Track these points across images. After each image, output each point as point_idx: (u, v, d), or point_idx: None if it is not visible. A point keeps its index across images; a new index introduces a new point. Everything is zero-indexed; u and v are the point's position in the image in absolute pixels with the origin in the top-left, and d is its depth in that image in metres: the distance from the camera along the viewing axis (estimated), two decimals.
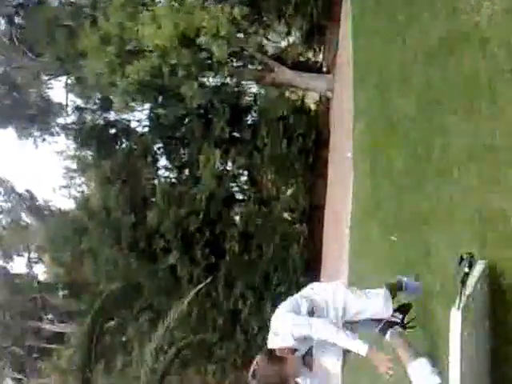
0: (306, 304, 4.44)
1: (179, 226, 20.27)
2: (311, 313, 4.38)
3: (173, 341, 12.73)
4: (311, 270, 20.42)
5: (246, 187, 23.42)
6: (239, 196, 23.72)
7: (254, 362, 4.24)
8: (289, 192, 21.22)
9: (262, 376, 4.10)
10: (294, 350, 4.23)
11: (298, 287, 17.73)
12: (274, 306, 16.99)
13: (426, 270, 5.58)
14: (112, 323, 18.58)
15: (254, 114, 23.60)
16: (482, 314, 3.69)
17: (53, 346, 22.59)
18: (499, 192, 4.02)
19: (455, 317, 3.08)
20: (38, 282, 25.44)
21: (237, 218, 22.34)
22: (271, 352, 4.25)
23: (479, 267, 3.68)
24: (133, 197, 21.91)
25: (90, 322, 10.62)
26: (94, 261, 21.29)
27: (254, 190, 22.28)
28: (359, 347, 4.03)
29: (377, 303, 4.54)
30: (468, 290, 3.28)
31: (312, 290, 4.78)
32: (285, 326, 4.25)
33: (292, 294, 17.16)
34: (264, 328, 20.11)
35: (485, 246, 4.06)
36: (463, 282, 3.22)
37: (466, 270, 3.31)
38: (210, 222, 20.65)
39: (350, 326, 4.50)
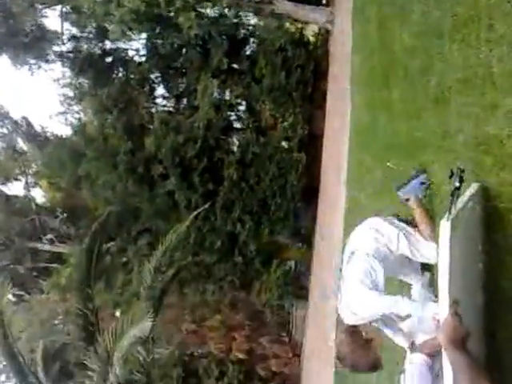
0: (382, 270, 4.06)
1: (177, 152, 20.39)
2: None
3: (172, 261, 13.16)
4: (309, 196, 20.78)
5: (244, 116, 23.48)
6: (237, 125, 23.81)
7: (337, 342, 4.03)
8: (287, 122, 21.28)
9: (349, 357, 3.89)
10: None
11: (296, 213, 18.19)
12: (272, 230, 17.46)
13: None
14: (111, 244, 19.01)
15: (253, 46, 23.42)
16: (475, 233, 3.83)
17: (52, 265, 23.06)
18: (495, 118, 4.17)
19: (445, 228, 3.18)
20: (36, 205, 25.66)
21: (235, 146, 22.47)
22: (356, 332, 3.97)
23: (472, 188, 3.88)
24: (130, 124, 21.92)
25: (89, 242, 10.79)
26: (91, 186, 21.44)
27: (252, 120, 22.32)
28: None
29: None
30: (459, 205, 3.41)
31: (377, 234, 4.34)
32: (367, 310, 3.96)
33: (289, 219, 17.40)
34: (261, 251, 20.79)
35: (480, 170, 4.22)
36: (453, 195, 3.31)
37: (457, 184, 3.39)
38: (208, 150, 20.79)
39: None
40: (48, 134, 26.36)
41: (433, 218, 4.62)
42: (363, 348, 3.86)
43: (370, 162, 9.38)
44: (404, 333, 4.00)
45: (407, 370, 3.70)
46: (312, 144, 21.07)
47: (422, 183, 4.87)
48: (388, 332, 4.17)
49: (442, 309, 3.06)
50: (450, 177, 3.49)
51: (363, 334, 3.91)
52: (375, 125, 9.24)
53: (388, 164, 7.19)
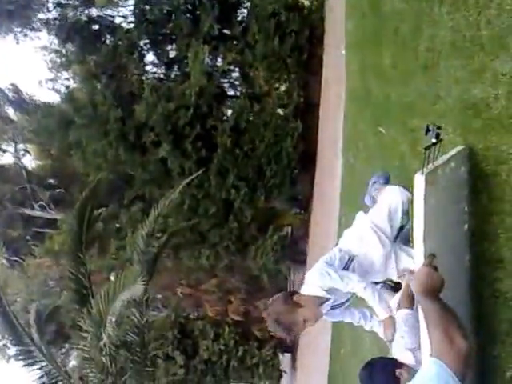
0: (340, 254, 4.16)
1: (168, 120, 20.35)
2: (349, 262, 4.14)
3: (165, 227, 13.25)
4: (306, 162, 20.83)
5: (237, 83, 23.34)
6: (231, 92, 23.68)
7: (273, 297, 4.21)
8: (282, 88, 21.19)
9: (272, 311, 4.05)
10: (322, 301, 4.09)
11: (292, 180, 18.28)
12: (268, 196, 17.60)
13: (411, 158, 5.88)
14: (103, 210, 19.05)
15: (244, 11, 23.17)
16: (460, 194, 3.89)
17: (45, 231, 23.17)
18: (483, 82, 4.21)
19: (419, 181, 3.24)
20: (27, 172, 25.63)
21: (228, 113, 22.37)
22: (293, 293, 4.15)
23: (457, 149, 3.95)
24: (120, 91, 21.83)
25: (80, 208, 10.82)
26: (81, 153, 21.41)
27: (245, 86, 22.20)
28: (380, 313, 3.98)
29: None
30: (439, 161, 3.47)
31: (344, 237, 4.44)
32: (312, 276, 4.07)
33: (284, 186, 17.58)
34: (257, 217, 20.91)
35: (468, 134, 4.26)
36: (427, 149, 3.33)
37: (434, 140, 3.41)
38: (201, 117, 20.71)
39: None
40: (37, 102, 26.21)
41: None
42: (289, 309, 4.01)
43: (364, 128, 9.46)
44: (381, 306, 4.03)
45: (397, 330, 3.83)
46: (308, 111, 21.02)
47: (374, 182, 4.91)
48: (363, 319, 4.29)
49: (416, 261, 3.15)
50: (426, 133, 3.52)
51: (295, 297, 4.04)
52: (368, 91, 9.28)
53: (379, 129, 7.26)
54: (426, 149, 3.36)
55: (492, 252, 3.74)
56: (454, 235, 3.81)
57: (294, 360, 27.14)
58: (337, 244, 4.45)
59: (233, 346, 21.59)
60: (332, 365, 13.24)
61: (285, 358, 26.21)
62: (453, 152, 3.84)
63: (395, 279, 4.37)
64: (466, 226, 3.94)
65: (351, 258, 4.12)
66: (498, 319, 3.59)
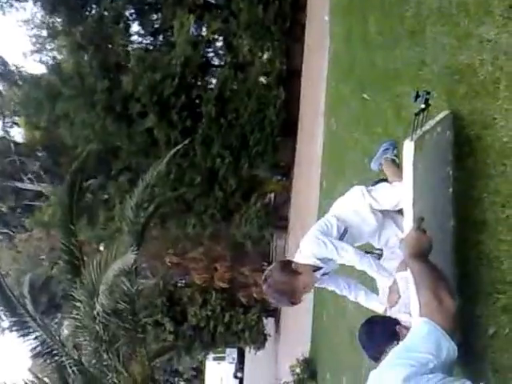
0: (336, 222, 4.06)
1: (154, 90, 20.19)
2: (344, 233, 4.06)
3: (153, 197, 13.22)
4: (288, 130, 20.85)
5: (221, 52, 23.16)
6: (215, 61, 23.50)
7: (269, 267, 4.20)
8: (265, 56, 21.05)
9: (272, 282, 4.01)
10: (315, 269, 4.06)
11: (275, 148, 18.34)
12: (251, 164, 17.63)
13: (395, 125, 5.88)
14: (92, 181, 19.00)
15: None
16: (445, 158, 3.90)
17: (35, 203, 23.07)
18: (468, 48, 4.20)
19: (408, 148, 3.23)
20: (16, 145, 25.43)
21: (213, 82, 22.25)
22: (289, 262, 4.11)
23: (443, 114, 3.95)
24: (106, 62, 21.58)
25: (70, 180, 10.78)
26: (69, 125, 21.26)
27: (230, 55, 22.04)
28: (383, 281, 3.96)
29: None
30: (426, 127, 3.47)
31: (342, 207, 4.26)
32: (307, 245, 4.01)
33: (268, 154, 17.58)
34: (241, 185, 20.99)
35: (454, 99, 4.24)
36: (417, 115, 3.33)
37: (422, 106, 3.40)
38: (186, 87, 20.59)
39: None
40: (24, 74, 25.86)
41: None
42: (288, 277, 3.98)
43: (347, 95, 9.42)
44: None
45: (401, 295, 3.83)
46: (291, 79, 20.95)
47: (386, 149, 4.80)
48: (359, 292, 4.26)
49: (406, 225, 3.17)
50: (416, 99, 3.50)
51: (293, 265, 4.01)
52: (353, 57, 9.23)
53: (363, 95, 7.24)
54: (416, 114, 3.35)
55: (476, 215, 3.78)
56: (439, 199, 3.81)
57: (277, 324, 27.57)
58: (325, 213, 4.35)
59: (219, 311, 21.88)
60: (314, 328, 13.43)
61: (269, 323, 26.60)
62: (439, 117, 3.83)
63: (377, 246, 4.36)
64: (451, 190, 3.93)
65: (346, 229, 4.04)
66: (482, 280, 3.64)
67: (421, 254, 2.25)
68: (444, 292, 1.98)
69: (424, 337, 1.80)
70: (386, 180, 4.39)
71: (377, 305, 4.15)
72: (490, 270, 3.57)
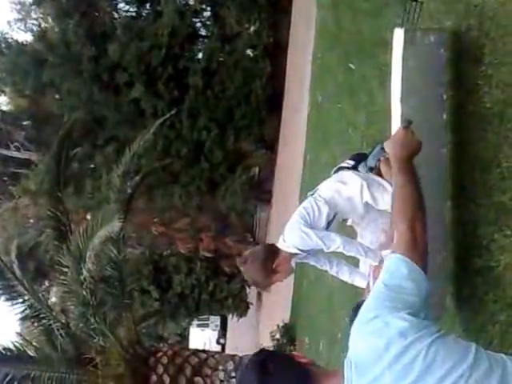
0: (327, 212, 3.88)
1: (141, 60, 20.00)
2: (332, 219, 3.93)
3: (139, 167, 13.15)
4: (273, 103, 20.77)
5: (209, 23, 22.90)
6: (202, 32, 23.24)
7: (252, 250, 4.19)
8: (252, 29, 20.86)
9: (250, 267, 3.98)
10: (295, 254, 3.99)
11: (260, 121, 18.23)
12: (237, 137, 17.49)
13: (381, 94, 5.88)
14: (79, 150, 18.83)
15: None
16: (440, 79, 3.84)
17: (22, 171, 22.89)
18: (456, 13, 4.16)
19: (398, 35, 3.19)
20: (2, 113, 25.12)
21: (200, 53, 22.04)
22: (269, 247, 4.08)
23: (438, 26, 3.89)
24: (92, 30, 21.26)
25: (56, 148, 10.68)
26: (56, 93, 21.06)
27: (217, 27, 21.81)
28: (371, 264, 3.85)
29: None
30: (418, 24, 3.46)
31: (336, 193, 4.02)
32: (291, 236, 3.90)
33: (253, 127, 17.37)
34: (227, 157, 20.96)
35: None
36: (413, 1, 3.33)
37: None
38: (173, 57, 20.38)
39: None
40: (9, 41, 25.42)
41: None
42: (266, 269, 3.94)
43: (333, 65, 9.38)
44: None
45: None
46: (277, 52, 20.81)
47: (383, 148, 4.61)
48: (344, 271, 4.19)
49: (393, 123, 3.09)
50: None
51: (272, 251, 3.96)
52: (339, 26, 9.15)
53: (349, 65, 7.22)
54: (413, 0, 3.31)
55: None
56: (433, 124, 3.75)
57: (259, 292, 27.79)
58: (308, 189, 4.23)
59: (204, 280, 22.02)
60: (295, 295, 13.54)
61: (251, 291, 26.82)
62: (435, 26, 3.78)
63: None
64: (445, 116, 3.89)
65: (335, 215, 3.92)
66: (459, 244, 3.69)
67: (409, 156, 2.05)
68: (420, 226, 1.83)
69: (404, 276, 1.69)
70: (366, 156, 4.28)
71: (360, 280, 4.10)
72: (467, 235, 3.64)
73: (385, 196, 3.86)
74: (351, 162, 4.18)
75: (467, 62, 3.84)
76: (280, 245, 3.96)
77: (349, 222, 4.26)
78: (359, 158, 4.18)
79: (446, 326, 3.64)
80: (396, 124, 3.07)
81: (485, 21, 3.69)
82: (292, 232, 3.87)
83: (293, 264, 4.06)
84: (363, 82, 6.81)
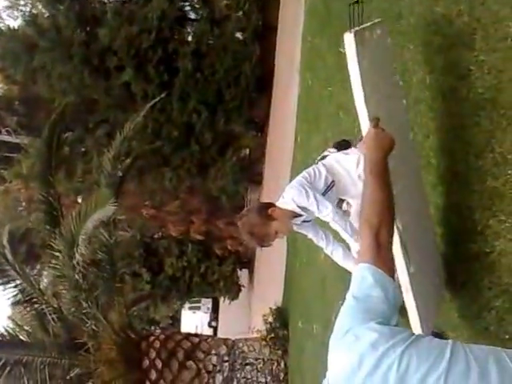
0: (325, 173, 3.94)
1: (131, 43, 19.81)
2: (331, 186, 3.96)
3: (130, 150, 13.07)
4: (263, 86, 20.67)
5: (198, 6, 22.68)
6: (191, 15, 23.02)
7: (248, 207, 4.23)
8: (241, 12, 20.68)
9: (247, 222, 3.97)
10: (293, 216, 3.98)
11: (250, 103, 18.09)
12: (227, 119, 17.40)
13: None
14: (70, 134, 18.70)
15: None
16: (390, 67, 3.84)
17: (13, 155, 22.71)
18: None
19: (349, 39, 3.14)
20: None
21: (189, 37, 21.86)
22: (268, 205, 4.03)
23: (376, 19, 3.78)
24: (83, 15, 21.01)
25: (48, 132, 10.61)
26: (46, 77, 20.82)
27: (206, 10, 21.61)
28: (353, 244, 3.92)
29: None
30: (364, 24, 3.39)
31: (336, 161, 4.08)
32: (290, 190, 3.91)
33: (243, 109, 17.30)
34: (217, 139, 20.87)
35: (430, 50, 4.21)
36: (353, 4, 3.31)
37: None
38: (163, 41, 20.22)
39: None
40: (1, 26, 25.07)
41: None
42: (263, 221, 3.91)
43: (323, 49, 9.25)
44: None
45: None
46: (267, 34, 20.68)
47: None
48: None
49: (363, 124, 3.09)
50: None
51: (269, 210, 3.92)
52: (329, 9, 9.02)
53: (340, 49, 7.09)
54: (350, 5, 3.34)
55: (450, 165, 3.76)
56: (396, 115, 3.73)
57: (251, 275, 27.86)
58: (298, 171, 4.26)
59: (195, 263, 22.02)
60: (287, 278, 13.52)
61: (243, 274, 26.85)
62: (375, 20, 3.74)
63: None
64: (405, 102, 3.94)
65: (333, 182, 3.93)
66: (455, 228, 3.65)
67: (384, 156, 2.01)
68: (385, 230, 1.81)
69: (372, 285, 1.66)
70: (348, 143, 4.25)
71: (352, 266, 3.98)
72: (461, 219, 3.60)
73: None
74: (333, 150, 4.18)
75: (459, 48, 3.77)
76: (278, 202, 3.96)
77: (344, 207, 4.22)
78: (341, 146, 4.17)
79: (443, 314, 3.60)
80: (365, 125, 3.04)
81: (476, 6, 3.62)
82: (292, 188, 3.89)
83: (291, 224, 4.02)
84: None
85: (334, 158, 4.08)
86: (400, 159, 2.82)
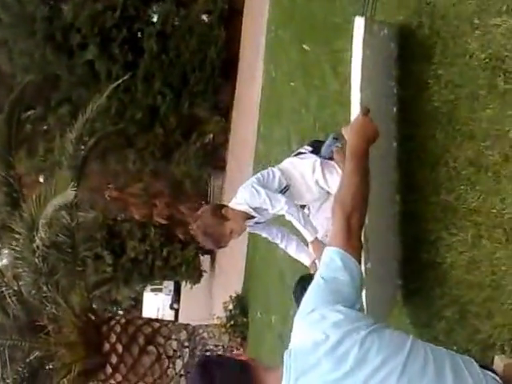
0: (279, 175, 3.98)
1: (95, 21, 19.32)
2: (285, 189, 3.97)
3: (93, 131, 12.85)
4: (228, 70, 20.49)
5: None
6: None
7: (201, 209, 4.23)
8: None
9: (201, 224, 4.00)
10: (248, 217, 4.01)
11: (215, 88, 17.93)
12: (192, 103, 17.19)
13: (332, 79, 5.82)
14: (31, 112, 18.25)
15: None
16: (388, 71, 3.83)
17: None
18: (407, 8, 4.11)
19: (358, 23, 3.14)
20: None
21: (155, 17, 21.46)
22: (220, 206, 4.10)
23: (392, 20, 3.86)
24: None
25: (8, 110, 10.37)
26: (8, 53, 20.23)
27: None
28: (307, 235, 3.92)
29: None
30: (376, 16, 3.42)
31: (291, 165, 4.13)
32: (242, 192, 3.97)
33: (208, 93, 17.12)
34: (181, 123, 20.64)
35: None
36: None
37: None
38: (128, 19, 19.78)
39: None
40: None
41: None
42: (217, 222, 3.96)
43: (286, 42, 9.22)
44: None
45: None
46: (232, 19, 20.42)
47: (335, 138, 4.47)
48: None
49: (353, 110, 3.11)
50: None
51: (223, 210, 3.99)
52: (294, 3, 8.98)
53: (303, 46, 7.11)
54: None
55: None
56: (385, 116, 3.73)
57: (213, 262, 27.86)
58: (261, 160, 4.32)
59: (158, 246, 21.86)
60: (247, 269, 13.61)
61: (205, 260, 26.80)
62: (389, 21, 3.75)
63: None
64: (395, 109, 3.88)
65: (288, 186, 3.97)
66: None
67: (366, 143, 2.03)
68: (357, 217, 1.83)
69: (340, 268, 1.70)
70: (322, 142, 4.26)
71: (305, 257, 4.15)
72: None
73: (337, 179, 3.83)
74: (309, 148, 4.19)
75: (418, 59, 3.80)
76: (231, 203, 4.03)
77: (305, 211, 4.26)
78: (317, 145, 4.19)
79: (394, 318, 3.68)
80: (355, 111, 3.04)
81: (436, 19, 3.64)
82: (244, 189, 3.95)
83: (244, 224, 4.06)
84: (316, 64, 6.69)
85: (289, 161, 4.13)
86: (380, 159, 2.84)
